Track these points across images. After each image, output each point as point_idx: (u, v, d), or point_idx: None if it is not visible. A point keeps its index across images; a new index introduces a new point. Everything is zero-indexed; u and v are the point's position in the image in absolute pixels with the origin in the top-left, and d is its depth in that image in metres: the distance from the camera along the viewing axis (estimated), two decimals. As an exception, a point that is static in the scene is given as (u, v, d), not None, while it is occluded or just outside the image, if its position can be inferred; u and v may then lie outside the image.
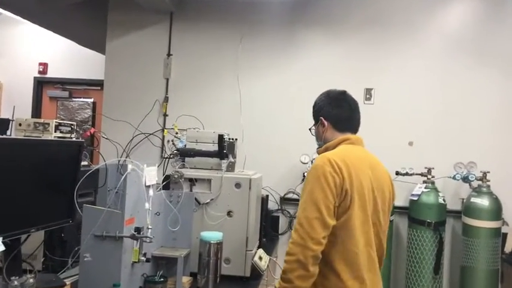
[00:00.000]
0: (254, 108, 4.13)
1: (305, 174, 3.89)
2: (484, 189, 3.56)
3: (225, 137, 2.52)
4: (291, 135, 4.01)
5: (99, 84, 5.23)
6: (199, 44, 4.25)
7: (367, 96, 3.98)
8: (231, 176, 2.44)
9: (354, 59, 4.02)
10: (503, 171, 3.73)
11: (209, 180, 2.41)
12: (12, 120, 2.54)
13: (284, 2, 4.10)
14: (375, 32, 4.00)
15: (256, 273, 2.42)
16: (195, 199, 2.36)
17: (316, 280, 1.78)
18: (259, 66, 4.16)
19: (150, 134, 4.21)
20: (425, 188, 3.62)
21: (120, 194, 1.85)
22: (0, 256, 1.81)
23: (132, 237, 1.86)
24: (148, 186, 2.00)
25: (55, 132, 2.51)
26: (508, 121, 3.82)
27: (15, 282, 1.76)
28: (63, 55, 6.00)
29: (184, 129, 2.75)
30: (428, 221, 3.52)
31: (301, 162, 3.91)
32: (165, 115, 4.26)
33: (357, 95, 2.13)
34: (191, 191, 2.38)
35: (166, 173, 2.51)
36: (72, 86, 6.06)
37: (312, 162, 3.89)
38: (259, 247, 2.70)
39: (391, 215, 3.37)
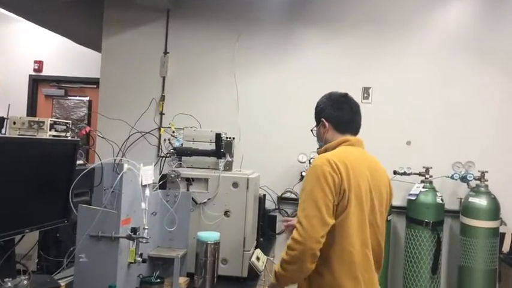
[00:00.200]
0: (251, 106, 4.11)
1: (303, 173, 3.88)
2: (482, 189, 3.55)
3: (222, 136, 2.50)
4: (289, 134, 3.99)
5: (95, 82, 5.19)
6: (196, 42, 4.23)
7: (365, 95, 3.96)
8: (228, 175, 2.42)
9: (351, 58, 4.00)
10: (502, 171, 3.72)
11: (206, 180, 2.40)
12: (7, 119, 2.51)
13: (281, 0, 4.08)
14: (372, 30, 3.98)
15: (253, 274, 2.41)
16: (192, 199, 2.34)
17: (312, 277, 1.84)
18: (257, 64, 4.14)
19: (147, 133, 4.18)
20: (423, 187, 3.61)
21: (116, 193, 1.83)
22: (-7, 257, 1.79)
23: (129, 237, 1.84)
24: (145, 186, 1.98)
25: (50, 130, 2.48)
26: (506, 120, 3.81)
27: (9, 284, 1.72)
28: (58, 53, 5.97)
29: (181, 128, 2.74)
30: (426, 220, 3.51)
31: (299, 161, 3.90)
32: (161, 114, 4.23)
33: (355, 93, 2.14)
34: (188, 190, 2.36)
35: (162, 173, 2.49)
36: (67, 84, 6.03)
37: (309, 161, 3.87)
38: (256, 247, 2.69)
39: (388, 215, 3.36)
